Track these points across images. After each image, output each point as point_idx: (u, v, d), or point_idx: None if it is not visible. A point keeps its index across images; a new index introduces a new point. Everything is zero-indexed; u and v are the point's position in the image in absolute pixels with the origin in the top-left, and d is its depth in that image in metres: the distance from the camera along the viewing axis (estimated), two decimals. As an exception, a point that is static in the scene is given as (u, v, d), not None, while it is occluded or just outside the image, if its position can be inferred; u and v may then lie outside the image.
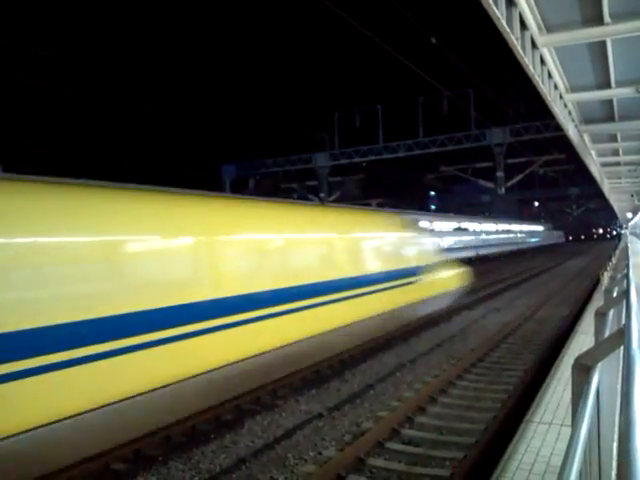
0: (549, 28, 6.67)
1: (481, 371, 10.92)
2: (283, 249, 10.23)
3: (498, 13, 5.55)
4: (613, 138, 13.40)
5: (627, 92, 8.65)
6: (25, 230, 5.76)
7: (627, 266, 8.51)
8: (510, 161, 48.37)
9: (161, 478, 6.58)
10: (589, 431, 1.85)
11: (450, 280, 16.89)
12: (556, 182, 79.18)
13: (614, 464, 2.37)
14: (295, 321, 9.52)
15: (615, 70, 7.92)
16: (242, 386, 8.35)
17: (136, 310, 6.43)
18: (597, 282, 18.31)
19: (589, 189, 67.23)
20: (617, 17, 6.19)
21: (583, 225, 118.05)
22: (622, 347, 2.56)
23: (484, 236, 54.99)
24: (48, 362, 5.33)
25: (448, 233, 46.69)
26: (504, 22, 5.77)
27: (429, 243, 18.00)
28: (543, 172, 62.61)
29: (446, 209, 67.74)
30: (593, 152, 15.49)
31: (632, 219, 51.13)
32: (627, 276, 6.26)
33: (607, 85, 8.58)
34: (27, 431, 5.18)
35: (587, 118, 11.28)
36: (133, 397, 6.19)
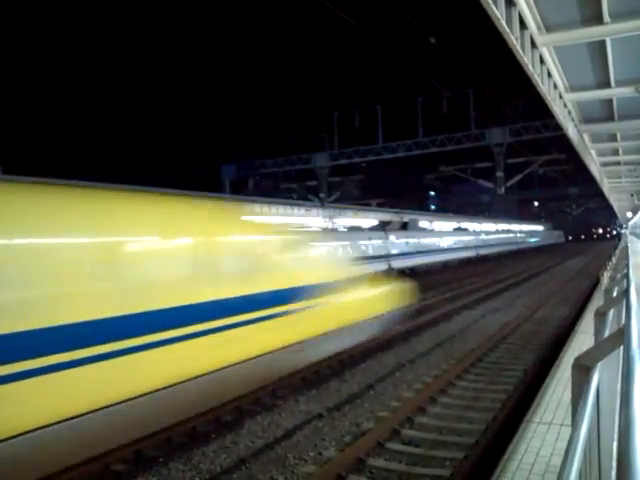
0: (548, 28, 6.67)
1: (481, 371, 10.91)
2: None
3: (497, 13, 5.55)
4: (613, 138, 13.40)
5: (627, 91, 8.65)
6: None
7: (627, 266, 8.51)
8: (510, 161, 48.42)
9: (162, 479, 6.58)
10: (589, 431, 1.85)
11: (379, 300, 12.21)
12: (556, 182, 79.27)
13: (614, 464, 2.38)
14: None
15: (615, 69, 7.92)
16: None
17: None
18: (597, 282, 18.31)
19: (589, 189, 67.23)
20: (617, 16, 6.19)
21: (583, 225, 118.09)
22: (622, 347, 2.56)
23: (484, 236, 55.00)
24: None
25: (447, 233, 46.71)
26: (503, 22, 5.77)
27: (337, 249, 14.88)
28: (543, 172, 62.72)
29: (446, 209, 67.75)
30: (593, 152, 15.49)
31: (632, 219, 51.14)
32: (627, 276, 6.27)
33: (607, 84, 8.58)
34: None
35: (587, 118, 11.27)
36: None
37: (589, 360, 2.54)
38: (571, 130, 11.66)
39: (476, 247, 50.19)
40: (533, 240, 79.42)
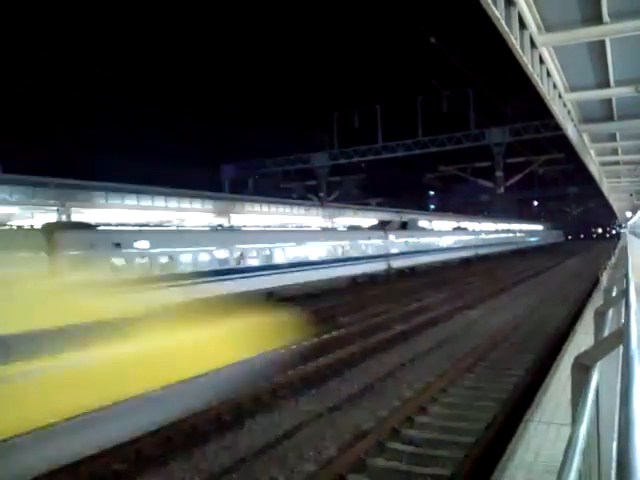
0: (548, 27, 6.67)
1: (481, 370, 10.92)
2: None
3: (497, 13, 5.55)
4: (612, 137, 13.38)
5: (626, 91, 8.64)
6: None
7: (626, 265, 8.51)
8: (509, 161, 48.46)
9: (162, 478, 6.59)
10: (588, 430, 1.85)
11: (202, 350, 7.79)
12: (555, 181, 79.28)
13: (613, 464, 2.38)
14: None
15: (614, 69, 7.91)
16: None
17: None
18: (596, 281, 18.32)
19: (588, 188, 67.20)
20: (616, 16, 6.19)
21: (582, 224, 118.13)
22: (621, 346, 2.57)
23: (483, 235, 55.01)
24: None
25: (446, 233, 46.71)
26: (503, 22, 5.77)
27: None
28: (542, 171, 62.75)
29: (445, 209, 67.78)
30: (592, 151, 15.48)
31: (631, 218, 51.18)
32: (626, 275, 6.27)
33: (606, 84, 8.57)
34: None
35: (586, 117, 11.26)
36: None
37: (589, 359, 2.55)
38: (570, 130, 11.65)
39: (475, 247, 50.20)
40: (533, 239, 79.45)
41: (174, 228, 23.22)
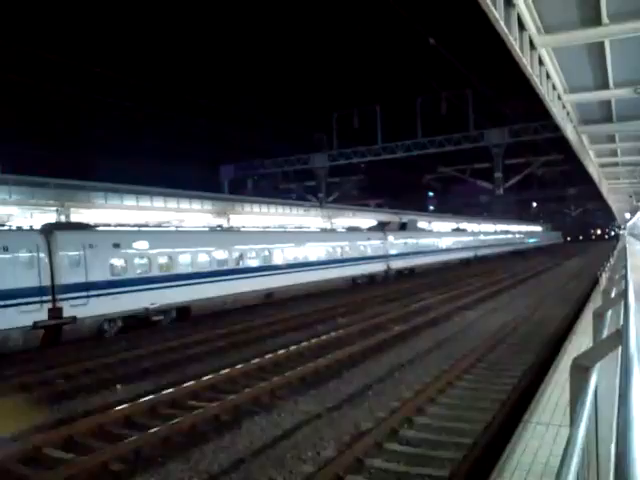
0: (547, 29, 6.68)
1: (480, 371, 10.92)
2: None
3: (497, 14, 5.55)
4: (611, 139, 13.40)
5: (625, 93, 8.65)
6: None
7: (625, 267, 8.52)
8: (508, 162, 48.48)
9: (160, 478, 6.58)
10: (587, 432, 1.85)
11: None
12: (554, 183, 79.30)
13: (612, 465, 2.38)
14: None
15: (613, 71, 7.92)
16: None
17: None
18: (595, 283, 18.34)
19: (587, 190, 67.25)
20: (615, 18, 6.19)
21: (581, 226, 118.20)
22: (620, 348, 2.57)
23: (482, 237, 55.07)
24: None
25: (446, 234, 46.74)
26: (502, 23, 5.77)
27: None
28: (541, 173, 62.78)
29: (444, 210, 67.81)
30: (591, 153, 15.50)
31: (630, 220, 51.23)
32: (625, 277, 6.28)
33: (605, 86, 8.58)
34: None
35: (585, 119, 11.28)
36: None
37: (587, 361, 2.55)
38: (570, 131, 11.67)
39: (475, 248, 50.26)
40: (532, 241, 79.56)
41: (173, 228, 23.20)
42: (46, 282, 14.18)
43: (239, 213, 31.21)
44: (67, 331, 14.63)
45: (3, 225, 17.89)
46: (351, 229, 33.60)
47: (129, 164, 41.27)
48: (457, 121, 42.61)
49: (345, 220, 39.46)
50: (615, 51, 7.12)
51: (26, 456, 7.23)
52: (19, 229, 16.75)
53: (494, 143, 42.88)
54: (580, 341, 9.30)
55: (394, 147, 44.25)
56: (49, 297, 14.22)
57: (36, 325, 13.79)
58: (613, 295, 5.88)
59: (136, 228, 20.06)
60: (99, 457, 6.86)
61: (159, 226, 24.15)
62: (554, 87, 8.82)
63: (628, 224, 54.57)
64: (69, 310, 14.53)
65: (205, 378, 10.50)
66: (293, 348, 12.98)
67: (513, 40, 6.20)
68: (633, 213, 42.65)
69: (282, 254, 23.42)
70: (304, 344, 13.43)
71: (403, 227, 38.90)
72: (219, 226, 26.55)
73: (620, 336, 2.64)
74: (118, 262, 16.33)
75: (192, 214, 28.13)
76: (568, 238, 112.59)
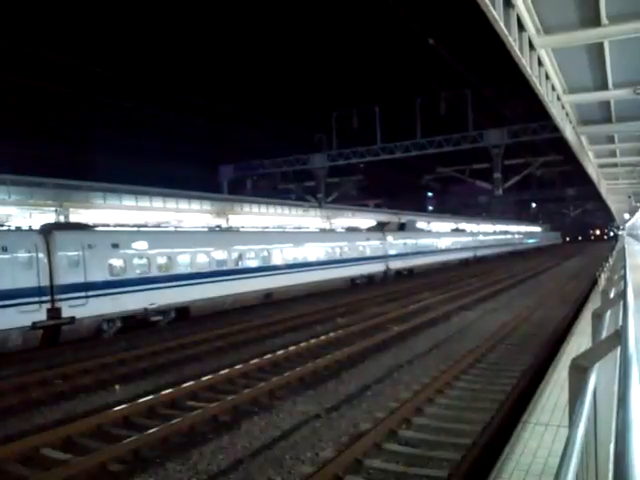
0: (547, 29, 6.68)
1: (478, 372, 10.92)
2: None
3: (496, 14, 5.56)
4: (610, 139, 13.41)
5: (624, 94, 8.66)
6: None
7: (624, 267, 8.52)
8: (507, 162, 48.42)
9: (159, 479, 6.57)
10: (586, 432, 1.85)
11: None
12: (553, 183, 79.34)
13: (611, 465, 2.38)
14: None
15: (612, 72, 7.93)
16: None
17: None
18: (594, 283, 18.34)
19: (586, 190, 67.27)
20: (615, 19, 6.20)
21: (580, 226, 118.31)
22: (619, 348, 2.57)
23: (481, 237, 55.11)
24: None
25: (445, 234, 46.76)
26: (502, 24, 5.77)
27: None
28: (540, 173, 62.73)
29: (443, 210, 67.86)
30: (590, 153, 15.52)
31: (629, 220, 51.27)
32: (624, 277, 6.28)
33: (605, 87, 8.58)
34: None
35: (584, 119, 11.29)
36: None
37: (586, 361, 2.55)
38: (569, 132, 11.68)
39: (474, 248, 50.30)
40: (531, 241, 79.67)
41: (172, 229, 23.18)
42: (45, 282, 14.17)
43: (238, 213, 31.23)
44: (66, 331, 14.62)
45: (2, 225, 17.88)
46: (350, 229, 33.58)
47: (128, 164, 41.20)
48: (456, 121, 42.56)
49: (344, 220, 39.45)
50: (614, 52, 7.12)
51: (24, 456, 7.22)
52: (18, 229, 16.75)
53: (493, 144, 42.80)
54: (579, 341, 9.31)
55: (393, 147, 44.21)
56: (48, 297, 14.22)
57: (35, 325, 13.79)
58: (612, 296, 5.88)
59: (135, 228, 20.01)
60: (97, 458, 6.85)
61: (158, 226, 24.11)
62: (553, 88, 8.83)
63: (627, 225, 54.63)
64: (68, 310, 14.52)
65: (204, 378, 10.51)
66: (292, 348, 12.98)
67: (512, 41, 6.20)
68: (632, 214, 42.70)
69: (281, 254, 23.41)
70: (303, 344, 13.43)
71: (402, 227, 38.91)
72: (218, 226, 26.52)
73: (619, 337, 2.64)
74: (117, 262, 16.32)
75: (191, 214, 28.08)
76: (567, 238, 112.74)
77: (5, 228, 16.72)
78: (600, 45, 6.99)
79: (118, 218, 23.38)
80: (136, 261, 16.95)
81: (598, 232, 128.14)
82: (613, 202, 38.86)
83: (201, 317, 18.64)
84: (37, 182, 21.35)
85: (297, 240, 25.47)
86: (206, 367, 11.87)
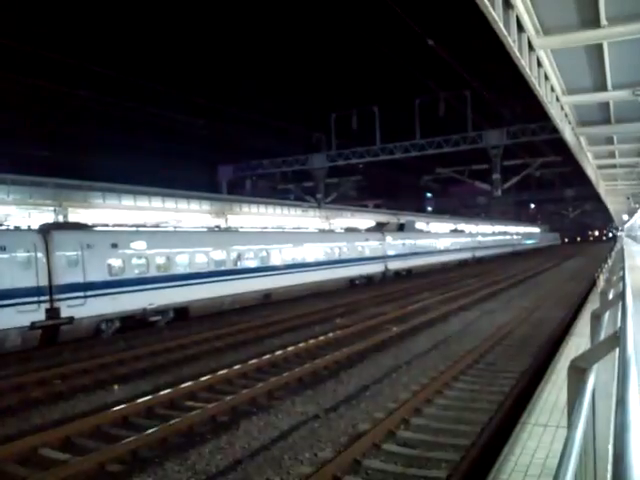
0: (546, 31, 6.69)
1: (477, 373, 10.92)
2: None
3: (495, 15, 5.56)
4: (609, 140, 13.43)
5: (623, 95, 8.67)
6: None
7: (623, 268, 8.53)
8: (506, 163, 48.43)
9: (157, 479, 6.57)
10: (585, 433, 1.85)
11: None
12: (552, 184, 79.35)
13: (609, 466, 2.38)
14: None
15: (612, 73, 7.94)
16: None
17: None
18: (593, 284, 18.36)
19: (585, 191, 67.33)
20: (614, 20, 6.21)
21: (579, 227, 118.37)
22: (617, 349, 2.57)
23: (480, 238, 55.13)
24: None
25: (444, 235, 46.78)
26: (501, 24, 5.78)
27: None
28: (539, 174, 62.76)
29: (443, 211, 67.90)
30: (589, 154, 15.54)
31: (628, 221, 51.32)
32: (623, 278, 6.28)
33: (604, 88, 8.60)
34: None
35: (583, 120, 11.31)
36: None
37: (585, 362, 2.55)
38: (568, 133, 11.69)
39: (473, 249, 50.33)
40: (529, 242, 79.73)
41: (171, 229, 23.17)
42: (44, 282, 14.16)
43: (237, 213, 31.22)
44: (64, 331, 14.61)
45: (1, 225, 17.88)
46: (349, 230, 33.58)
47: (127, 164, 41.15)
48: (455, 122, 42.55)
49: (343, 221, 39.45)
50: (613, 53, 7.14)
51: (23, 457, 7.22)
52: (17, 229, 16.74)
53: (492, 144, 42.81)
54: (578, 342, 9.32)
55: (392, 148, 44.21)
56: (47, 297, 14.21)
57: (34, 325, 13.78)
58: (611, 297, 5.88)
59: (134, 228, 20.00)
60: (96, 458, 6.85)
61: (157, 226, 24.11)
62: (552, 89, 8.84)
63: (626, 226, 54.70)
64: (66, 310, 14.51)
65: (203, 379, 10.51)
66: (291, 349, 12.98)
67: (512, 41, 6.21)
68: (631, 215, 42.76)
69: (280, 255, 23.41)
70: (302, 345, 13.43)
71: (401, 228, 38.92)
72: (217, 226, 26.51)
73: (617, 338, 2.64)
74: (116, 262, 16.31)
75: (190, 214, 28.07)
76: (566, 239, 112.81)
77: (4, 228, 16.72)
78: (599, 46, 7.00)
79: (117, 218, 23.36)
80: (135, 261, 16.95)
81: (597, 233, 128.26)
82: (612, 203, 38.92)
83: (200, 317, 18.64)
84: (36, 182, 21.36)
85: (296, 240, 25.48)
86: (205, 367, 11.87)
